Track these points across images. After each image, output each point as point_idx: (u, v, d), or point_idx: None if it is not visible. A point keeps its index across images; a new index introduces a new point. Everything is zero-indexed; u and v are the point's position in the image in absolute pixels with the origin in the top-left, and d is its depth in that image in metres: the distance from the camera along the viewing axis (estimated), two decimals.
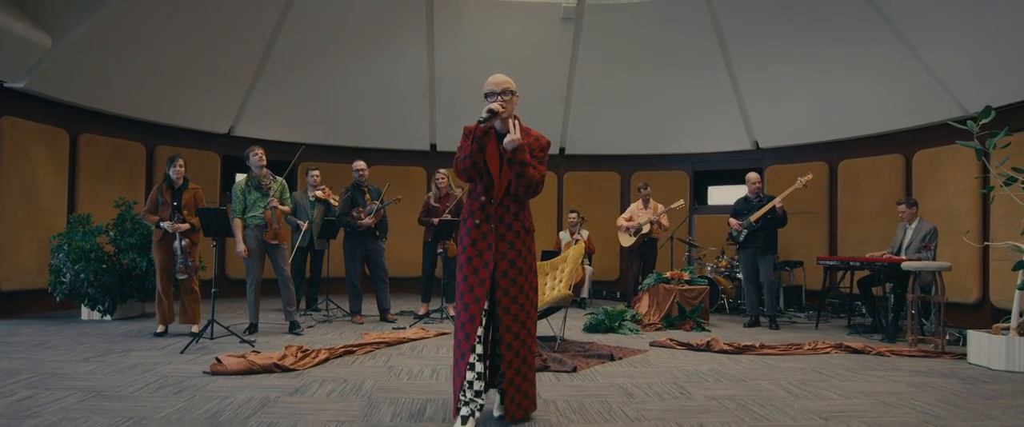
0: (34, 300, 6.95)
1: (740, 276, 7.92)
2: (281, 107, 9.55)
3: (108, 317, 6.39)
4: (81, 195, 7.57)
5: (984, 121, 4.61)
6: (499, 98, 2.87)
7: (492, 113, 2.81)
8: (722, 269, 8.72)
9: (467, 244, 2.96)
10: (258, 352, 4.43)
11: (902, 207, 6.60)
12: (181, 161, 5.51)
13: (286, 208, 5.82)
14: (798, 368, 4.51)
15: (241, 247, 5.57)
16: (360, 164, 6.80)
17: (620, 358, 4.69)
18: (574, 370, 4.17)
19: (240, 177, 5.73)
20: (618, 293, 10.11)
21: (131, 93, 7.90)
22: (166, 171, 5.50)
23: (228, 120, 9.36)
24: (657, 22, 8.87)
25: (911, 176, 8.17)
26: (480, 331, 2.86)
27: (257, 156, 5.72)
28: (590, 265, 9.20)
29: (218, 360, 3.97)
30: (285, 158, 9.77)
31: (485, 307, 2.88)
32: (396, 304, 8.04)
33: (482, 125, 2.83)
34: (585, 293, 8.90)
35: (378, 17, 8.80)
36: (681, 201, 8.28)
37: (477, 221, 2.95)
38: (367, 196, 6.67)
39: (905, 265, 5.53)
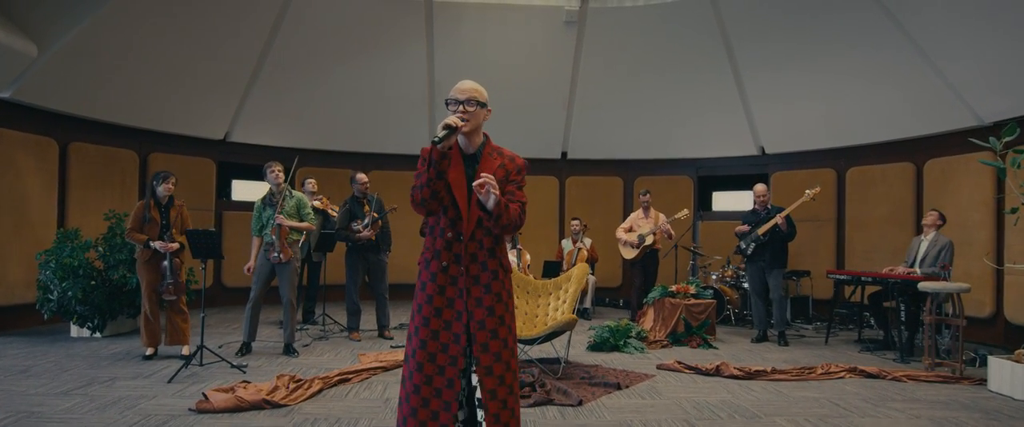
0: (23, 315, 6.76)
1: (747, 286, 7.72)
2: (278, 112, 9.34)
3: (98, 335, 6.20)
4: (72, 206, 7.37)
5: (1008, 138, 4.40)
6: (461, 107, 2.39)
7: (450, 130, 2.29)
8: (727, 279, 8.52)
9: (432, 293, 2.39)
10: (248, 382, 4.24)
11: (934, 213, 6.36)
12: (173, 179, 5.28)
13: (305, 225, 5.57)
14: (813, 398, 4.32)
15: (250, 263, 5.43)
16: (362, 177, 6.57)
17: (627, 386, 4.50)
18: (580, 404, 3.98)
19: (256, 197, 5.57)
20: (621, 301, 9.93)
21: (122, 100, 7.69)
22: (154, 187, 5.24)
23: (223, 126, 9.15)
24: (661, 26, 8.66)
25: (922, 185, 7.97)
26: (460, 396, 2.37)
27: (274, 173, 5.52)
28: (593, 274, 9.01)
29: (204, 396, 3.78)
30: (284, 163, 9.60)
31: (462, 368, 2.37)
32: (395, 314, 7.87)
33: (438, 146, 2.29)
34: (588, 303, 8.71)
35: (376, 20, 8.59)
36: (686, 210, 8.02)
37: (444, 264, 2.41)
38: (367, 208, 6.47)
39: (922, 286, 5.33)
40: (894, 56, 7.35)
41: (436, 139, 2.28)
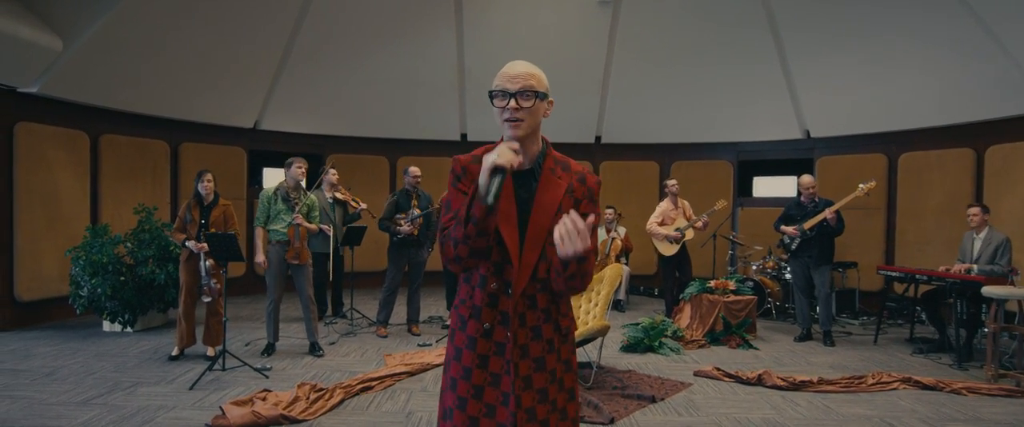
0: (57, 308, 6.83)
1: (789, 277, 7.35)
2: (307, 99, 9.22)
3: (129, 329, 6.22)
4: (104, 198, 7.40)
5: None
6: (512, 102, 1.72)
7: (500, 175, 1.63)
8: (769, 270, 8.15)
9: (470, 365, 1.78)
10: (268, 390, 4.14)
11: (975, 210, 5.91)
12: (209, 176, 5.21)
13: (313, 227, 5.44)
14: (864, 415, 4.02)
15: (260, 257, 5.24)
16: (415, 170, 6.37)
17: (662, 398, 4.26)
18: (612, 422, 3.77)
19: (270, 185, 5.39)
20: (656, 290, 9.65)
21: (151, 90, 7.65)
22: (195, 187, 5.24)
23: (253, 114, 9.08)
24: (701, 6, 8.22)
25: (982, 173, 7.45)
26: None
27: (301, 170, 5.39)
28: (627, 264, 8.74)
29: (222, 410, 3.68)
30: (314, 151, 9.55)
31: None
32: (425, 305, 7.77)
33: (487, 202, 1.63)
34: (622, 294, 8.46)
35: (405, 4, 8.35)
36: (723, 201, 7.63)
37: (486, 325, 1.78)
38: (415, 202, 6.30)
39: (987, 290, 4.93)
40: (955, 34, 6.82)
41: (485, 195, 1.63)
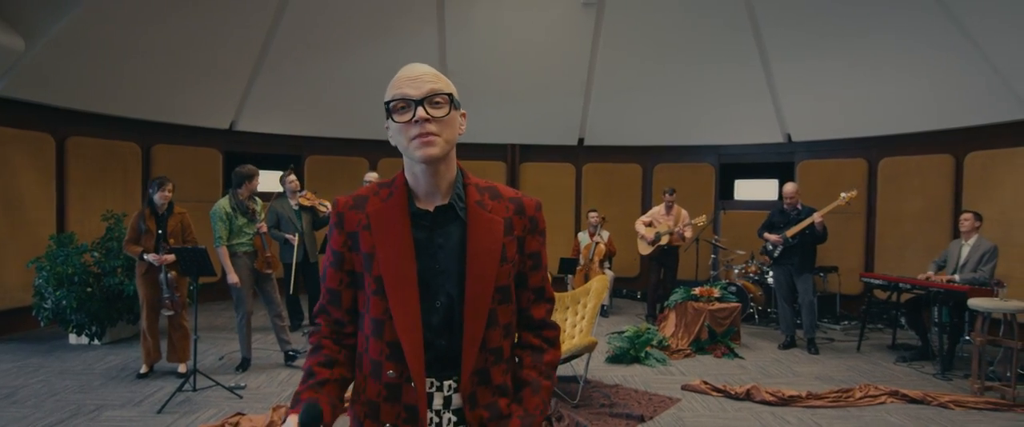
0: (21, 319, 6.55)
1: (771, 281, 7.37)
2: (285, 99, 8.98)
3: (97, 342, 5.98)
4: (72, 203, 7.11)
5: None
6: (424, 109, 1.34)
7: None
8: (751, 274, 8.14)
9: None
10: (242, 414, 3.98)
11: (968, 216, 5.93)
12: (170, 186, 4.94)
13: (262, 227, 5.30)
14: None
15: (234, 278, 5.03)
16: (373, 176, 6.23)
17: (651, 417, 4.18)
18: None
19: (221, 201, 5.12)
20: (639, 293, 9.61)
21: (122, 91, 7.37)
22: (150, 195, 4.92)
23: (229, 115, 8.83)
24: (685, 8, 8.15)
25: (961, 179, 7.50)
26: None
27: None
28: (610, 268, 8.67)
29: None
30: (292, 152, 9.32)
31: None
32: None
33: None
34: (606, 299, 8.40)
35: (386, 2, 8.16)
36: (704, 217, 7.71)
37: (387, 425, 1.38)
38: None
39: (973, 303, 4.93)
40: (937, 40, 6.83)
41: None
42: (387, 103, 1.37)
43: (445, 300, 1.39)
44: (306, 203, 6.58)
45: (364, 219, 1.41)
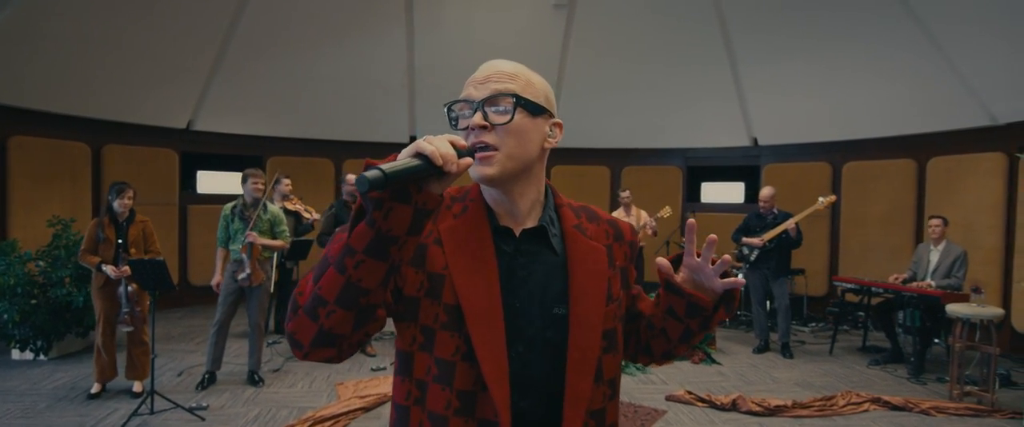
0: None
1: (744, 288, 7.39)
2: (246, 98, 8.61)
3: (43, 357, 5.56)
4: (14, 207, 6.65)
5: None
6: (482, 115, 1.13)
7: (418, 165, 0.96)
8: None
9: None
10: None
11: (936, 221, 6.04)
12: (131, 192, 4.61)
13: (276, 244, 4.97)
14: None
15: (216, 278, 4.82)
16: (351, 178, 5.98)
17: None
18: None
19: (230, 203, 4.94)
20: None
21: (70, 88, 6.94)
22: (109, 202, 4.58)
23: (186, 114, 8.42)
24: (656, 11, 8.13)
25: (924, 184, 7.67)
26: None
27: (255, 184, 4.86)
28: None
29: None
30: (253, 152, 8.95)
31: None
32: None
33: (367, 191, 0.93)
34: None
35: (353, 1, 7.90)
36: (668, 208, 7.64)
37: None
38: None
39: (951, 309, 4.99)
40: (902, 47, 6.95)
41: (369, 178, 0.92)
42: (448, 107, 1.16)
43: (522, 349, 1.12)
44: (292, 207, 6.41)
45: (435, 232, 1.15)
